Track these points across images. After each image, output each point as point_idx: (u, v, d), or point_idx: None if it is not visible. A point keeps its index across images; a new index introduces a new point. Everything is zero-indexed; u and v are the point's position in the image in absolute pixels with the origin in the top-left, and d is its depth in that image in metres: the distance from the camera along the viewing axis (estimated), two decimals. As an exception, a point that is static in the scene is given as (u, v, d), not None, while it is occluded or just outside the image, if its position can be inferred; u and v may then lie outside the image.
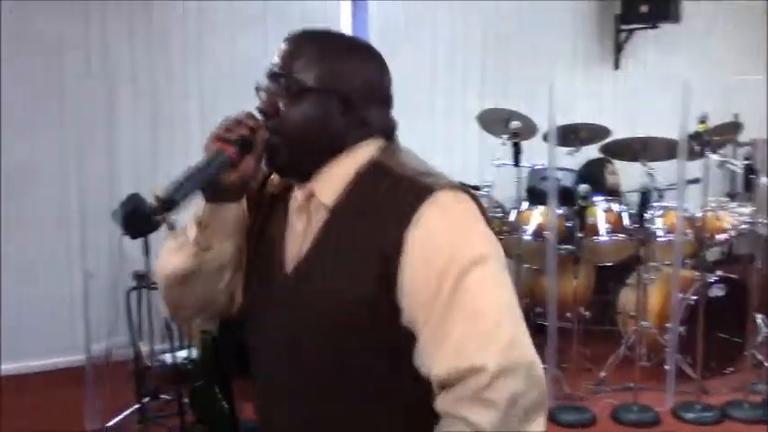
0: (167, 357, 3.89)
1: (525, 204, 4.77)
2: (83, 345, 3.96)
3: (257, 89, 1.40)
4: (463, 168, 5.16)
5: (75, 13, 4.55)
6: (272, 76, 1.37)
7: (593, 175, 5.21)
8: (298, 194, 1.41)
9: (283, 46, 1.38)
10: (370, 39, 5.35)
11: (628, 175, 5.20)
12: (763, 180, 5.03)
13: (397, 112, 1.44)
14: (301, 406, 1.39)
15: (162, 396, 3.81)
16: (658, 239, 4.50)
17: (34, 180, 4.57)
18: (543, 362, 3.77)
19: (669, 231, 4.48)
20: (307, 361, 1.36)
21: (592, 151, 5.02)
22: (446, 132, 5.57)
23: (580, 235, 4.48)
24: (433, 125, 5.51)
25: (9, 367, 4.46)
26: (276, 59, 1.37)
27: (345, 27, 5.44)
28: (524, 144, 4.62)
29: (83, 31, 4.59)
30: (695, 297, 4.42)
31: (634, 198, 5.00)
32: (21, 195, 4.54)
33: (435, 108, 5.57)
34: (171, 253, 1.44)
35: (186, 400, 3.60)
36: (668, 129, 4.47)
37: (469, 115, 4.91)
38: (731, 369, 4.56)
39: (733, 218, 4.70)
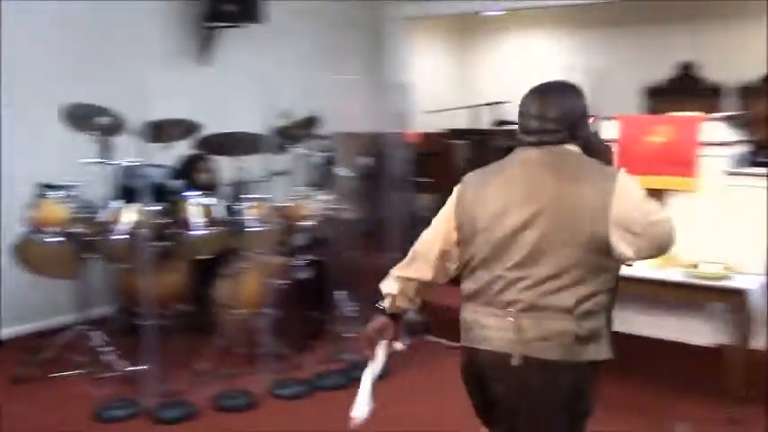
0: None
1: (117, 203, 4.58)
2: None
3: None
4: (47, 168, 4.80)
5: None
6: None
7: (187, 170, 5.26)
8: None
9: None
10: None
11: (223, 169, 5.34)
12: (340, 170, 5.56)
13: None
14: None
15: None
16: (250, 229, 4.69)
17: None
18: (142, 363, 3.69)
19: (261, 221, 4.71)
20: None
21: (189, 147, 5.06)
22: (24, 131, 5.16)
23: (174, 231, 4.50)
24: (9, 123, 5.07)
25: None
26: None
27: None
28: (115, 141, 4.49)
29: None
30: (285, 281, 4.73)
31: (229, 191, 5.16)
32: None
33: (14, 103, 5.11)
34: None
35: None
36: (257, 124, 4.69)
37: (51, 112, 4.57)
38: (320, 343, 4.98)
39: (316, 205, 5.09)
